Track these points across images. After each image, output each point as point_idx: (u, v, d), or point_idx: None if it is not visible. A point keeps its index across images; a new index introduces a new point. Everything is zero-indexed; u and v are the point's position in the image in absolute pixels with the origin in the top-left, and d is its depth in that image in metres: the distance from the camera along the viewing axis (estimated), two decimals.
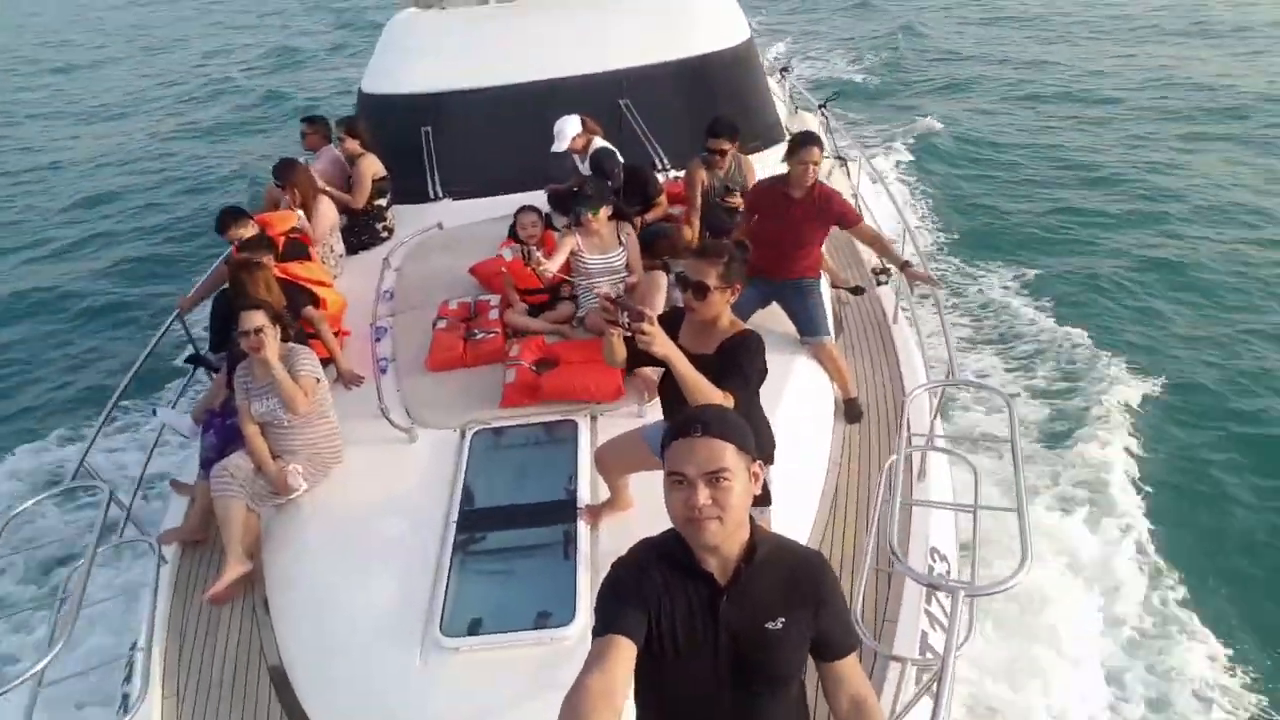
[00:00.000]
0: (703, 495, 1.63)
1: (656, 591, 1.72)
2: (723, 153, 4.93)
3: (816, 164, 4.15)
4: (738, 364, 2.59)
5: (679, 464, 1.66)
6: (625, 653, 1.64)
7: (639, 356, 2.64)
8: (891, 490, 2.99)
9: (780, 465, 2.85)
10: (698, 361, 2.52)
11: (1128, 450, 5.76)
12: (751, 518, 1.77)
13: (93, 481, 3.63)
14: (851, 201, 4.93)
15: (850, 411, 4.27)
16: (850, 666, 1.84)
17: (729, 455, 1.65)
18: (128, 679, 3.18)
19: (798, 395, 3.96)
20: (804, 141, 4.18)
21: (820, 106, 8.39)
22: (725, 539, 1.69)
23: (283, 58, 25.82)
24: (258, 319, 3.59)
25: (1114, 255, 8.61)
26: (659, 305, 4.23)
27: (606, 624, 1.69)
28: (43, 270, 10.94)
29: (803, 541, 2.55)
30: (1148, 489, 5.44)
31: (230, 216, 4.79)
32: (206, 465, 3.94)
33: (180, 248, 11.24)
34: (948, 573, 3.28)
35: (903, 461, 3.13)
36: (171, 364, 6.47)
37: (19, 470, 6.55)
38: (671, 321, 2.70)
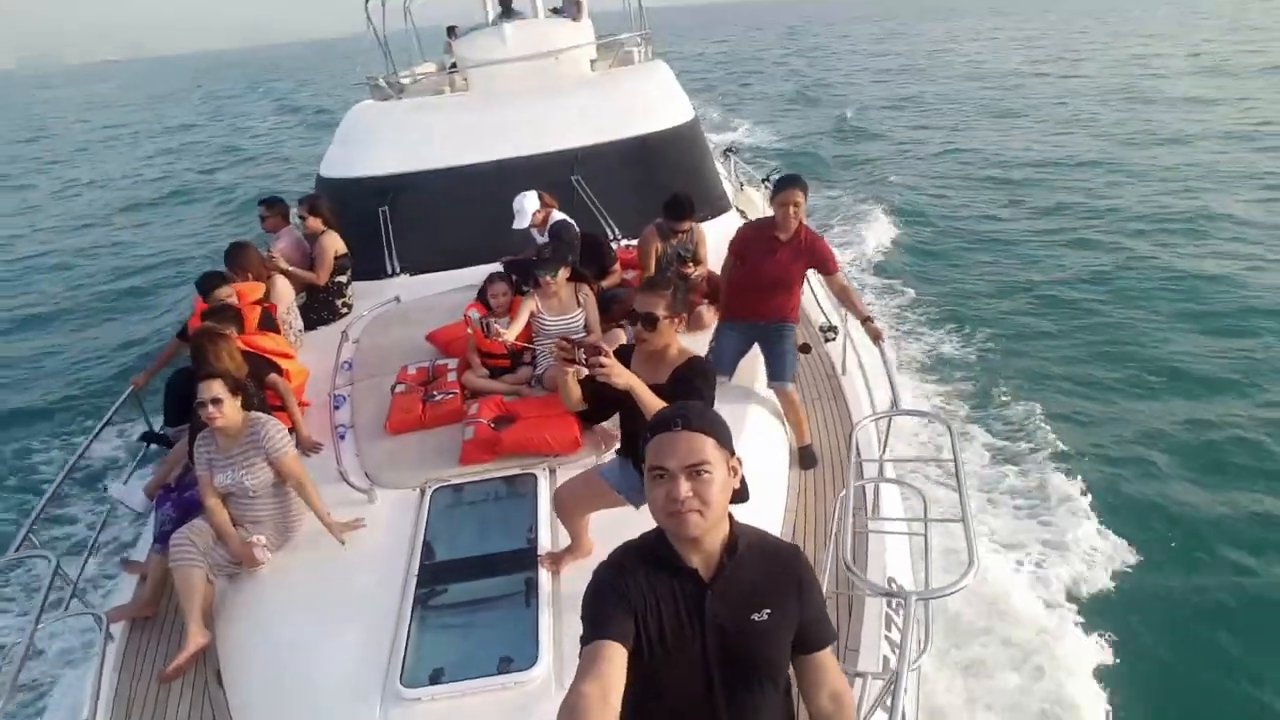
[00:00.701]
0: (684, 488, 1.64)
1: (641, 592, 1.71)
2: (685, 230, 5.26)
3: (798, 205, 4.17)
4: (694, 388, 2.69)
5: (660, 458, 1.67)
6: (616, 656, 1.62)
7: (598, 397, 2.73)
8: (842, 515, 3.07)
9: (737, 508, 2.91)
10: (652, 391, 2.62)
11: (1060, 455, 6.45)
12: (730, 513, 1.79)
13: (38, 552, 3.53)
14: None
15: (804, 458, 4.37)
16: (829, 659, 1.85)
17: (709, 449, 1.67)
18: None
19: (754, 442, 4.05)
20: (784, 184, 4.26)
21: (763, 181, 8.83)
22: (707, 532, 1.70)
23: (236, 150, 27.18)
24: (215, 388, 3.54)
25: (1036, 296, 9.89)
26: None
27: (594, 630, 1.67)
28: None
29: None
30: (1084, 485, 6.01)
31: (218, 278, 4.90)
32: (162, 539, 3.85)
33: (134, 325, 11.59)
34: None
35: (851, 491, 3.21)
36: (125, 440, 6.37)
37: None
38: (622, 358, 2.80)
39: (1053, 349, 8.43)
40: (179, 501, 4.03)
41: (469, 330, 4.78)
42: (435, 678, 2.83)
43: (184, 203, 20.08)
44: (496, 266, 5.80)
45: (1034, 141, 18.08)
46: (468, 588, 3.28)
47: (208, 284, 4.88)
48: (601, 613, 1.69)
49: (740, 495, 1.81)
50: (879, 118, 22.66)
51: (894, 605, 3.12)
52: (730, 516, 1.78)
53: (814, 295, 5.79)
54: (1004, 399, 7.34)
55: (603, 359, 2.48)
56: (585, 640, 1.67)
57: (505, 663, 2.85)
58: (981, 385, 7.66)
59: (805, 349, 5.30)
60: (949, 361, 8.27)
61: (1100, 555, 5.27)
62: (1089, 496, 5.83)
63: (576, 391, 2.77)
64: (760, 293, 4.36)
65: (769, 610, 1.74)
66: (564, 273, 4.54)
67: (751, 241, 4.44)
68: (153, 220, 18.72)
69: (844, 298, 4.62)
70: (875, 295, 10.06)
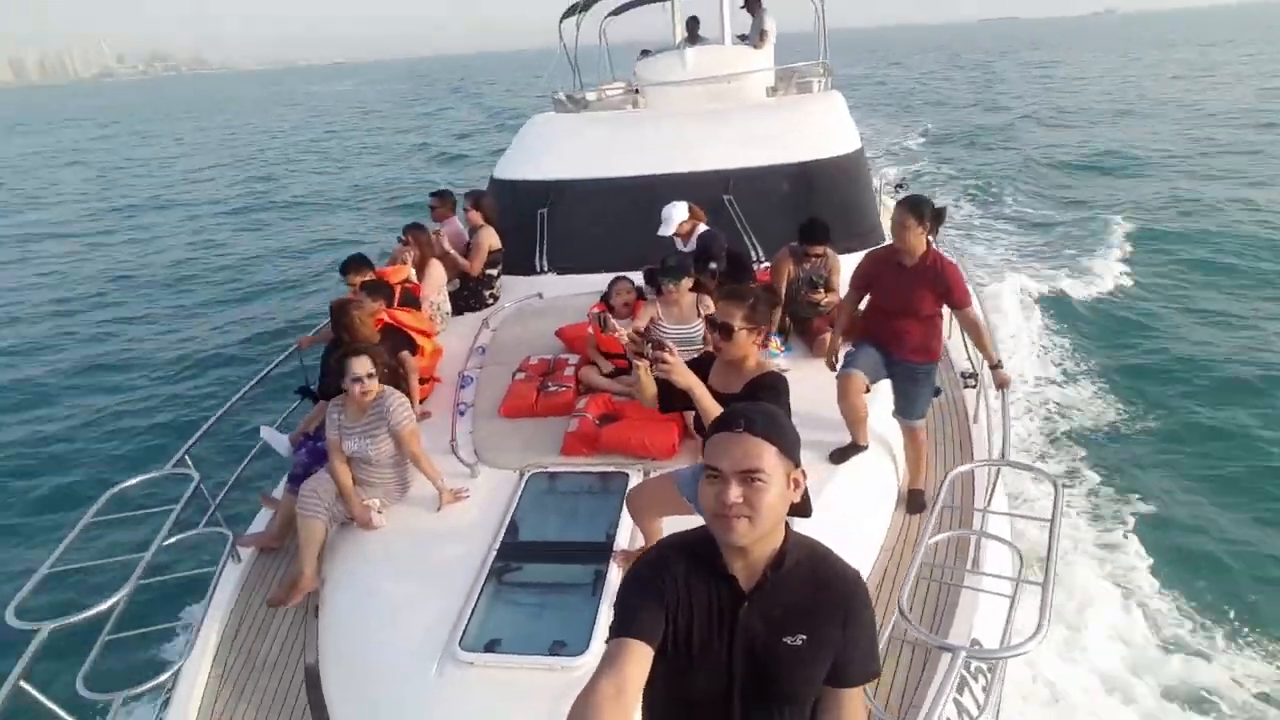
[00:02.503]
0: (734, 492, 1.57)
1: (677, 589, 1.67)
2: (819, 255, 5.18)
3: (905, 226, 3.92)
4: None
5: (716, 457, 1.61)
6: (639, 655, 1.59)
7: (672, 397, 2.77)
8: (913, 558, 2.90)
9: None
10: (724, 400, 2.62)
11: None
12: (788, 525, 1.71)
13: (186, 470, 4.00)
14: None
15: (913, 502, 4.15)
16: (855, 699, 1.74)
17: (769, 456, 1.59)
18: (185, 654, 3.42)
19: (856, 472, 3.91)
20: (900, 203, 4.05)
21: None
22: (753, 541, 1.61)
23: (422, 150, 29.96)
24: (366, 365, 3.80)
25: (1227, 392, 8.45)
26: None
27: (622, 625, 1.64)
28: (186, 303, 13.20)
29: None
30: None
31: (354, 263, 5.38)
32: (294, 480, 4.26)
33: (309, 300, 13.20)
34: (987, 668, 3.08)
35: (927, 536, 3.01)
36: (284, 392, 7.13)
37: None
38: (702, 365, 2.82)
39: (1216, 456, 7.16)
40: (312, 450, 4.44)
41: (590, 330, 4.93)
42: (491, 646, 2.95)
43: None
44: (638, 275, 5.94)
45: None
46: (541, 570, 3.39)
47: (345, 268, 5.39)
48: (633, 607, 1.66)
49: (801, 509, 1.73)
50: (1097, 157, 21.08)
51: (970, 667, 2.90)
52: (787, 528, 1.69)
53: (963, 339, 5.48)
54: (1138, 484, 6.60)
55: (665, 355, 2.51)
56: (613, 632, 1.65)
57: (558, 646, 2.92)
58: (1120, 464, 6.93)
59: (936, 392, 5.02)
60: (1086, 422, 7.67)
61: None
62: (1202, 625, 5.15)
63: (652, 387, 2.82)
64: (890, 320, 4.10)
65: (804, 635, 1.64)
66: (687, 282, 4.59)
67: (870, 272, 4.21)
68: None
69: (974, 336, 4.26)
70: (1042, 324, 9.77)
